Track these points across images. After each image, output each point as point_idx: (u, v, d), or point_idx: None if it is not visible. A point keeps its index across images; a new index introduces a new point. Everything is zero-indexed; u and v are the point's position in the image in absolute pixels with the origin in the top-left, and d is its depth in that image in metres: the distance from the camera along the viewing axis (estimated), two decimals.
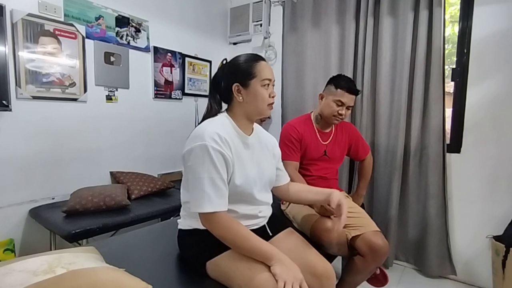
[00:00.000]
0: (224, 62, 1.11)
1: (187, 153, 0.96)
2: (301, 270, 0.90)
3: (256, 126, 1.15)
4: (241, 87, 1.02)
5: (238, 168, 0.99)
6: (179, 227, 1.13)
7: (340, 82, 1.58)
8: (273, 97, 1.05)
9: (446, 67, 1.96)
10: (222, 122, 1.03)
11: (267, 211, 1.15)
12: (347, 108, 1.59)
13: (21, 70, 1.71)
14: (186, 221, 1.09)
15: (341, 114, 1.58)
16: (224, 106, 1.11)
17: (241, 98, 1.03)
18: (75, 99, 1.96)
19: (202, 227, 1.03)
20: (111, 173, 2.19)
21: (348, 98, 1.56)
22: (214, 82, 1.09)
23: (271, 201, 1.16)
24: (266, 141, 1.17)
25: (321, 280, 1.00)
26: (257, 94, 1.02)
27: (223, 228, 0.93)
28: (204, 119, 1.05)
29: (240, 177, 0.99)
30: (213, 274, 0.99)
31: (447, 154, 1.98)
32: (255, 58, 1.05)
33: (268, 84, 1.04)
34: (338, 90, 1.56)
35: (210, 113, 1.07)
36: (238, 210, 1.02)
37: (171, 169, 2.61)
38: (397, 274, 2.08)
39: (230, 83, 1.03)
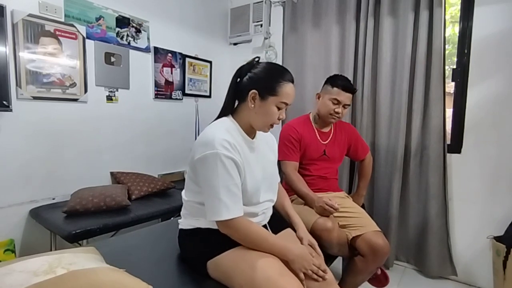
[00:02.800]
0: (257, 59, 1.09)
1: (198, 162, 0.95)
2: None
3: None
4: (257, 96, 1.00)
5: (247, 172, 1.00)
6: (180, 227, 1.13)
7: (336, 80, 1.60)
8: (279, 119, 1.05)
9: (446, 67, 1.96)
10: (228, 127, 1.02)
11: (269, 211, 1.15)
12: (344, 106, 1.60)
13: (22, 70, 1.71)
14: (187, 220, 1.09)
15: (337, 113, 1.59)
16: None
17: (252, 105, 1.01)
18: (75, 100, 1.96)
19: (203, 226, 1.04)
20: (112, 173, 2.19)
21: (344, 97, 1.57)
22: (239, 72, 1.06)
23: (275, 199, 1.17)
24: (267, 139, 1.19)
25: (321, 284, 0.99)
26: (268, 111, 1.01)
27: (242, 233, 0.95)
28: (219, 116, 1.07)
29: (250, 181, 1.01)
30: (214, 274, 1.00)
31: (448, 155, 1.98)
32: (287, 78, 1.02)
33: (283, 108, 1.03)
34: (334, 88, 1.58)
35: (225, 111, 1.07)
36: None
37: (172, 169, 2.61)
38: (398, 275, 2.07)
39: (250, 86, 1.01)
